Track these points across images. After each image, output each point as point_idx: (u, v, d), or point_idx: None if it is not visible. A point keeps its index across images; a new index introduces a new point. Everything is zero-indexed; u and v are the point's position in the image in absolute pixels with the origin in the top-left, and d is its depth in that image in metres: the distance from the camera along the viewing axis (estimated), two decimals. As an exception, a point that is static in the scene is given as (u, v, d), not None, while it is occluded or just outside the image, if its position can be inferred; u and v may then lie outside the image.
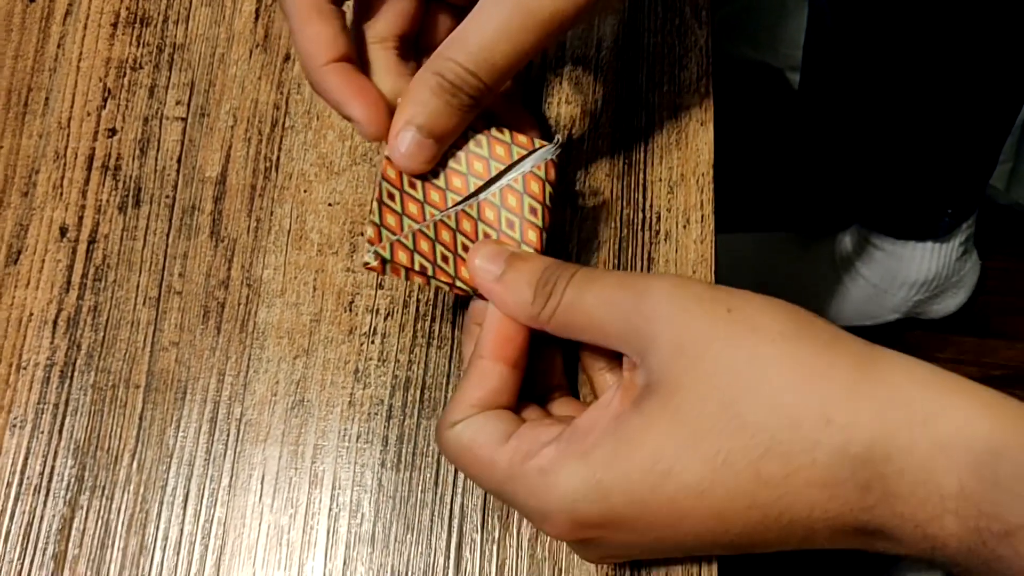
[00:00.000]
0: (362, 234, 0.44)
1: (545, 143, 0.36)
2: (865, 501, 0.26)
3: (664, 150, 0.44)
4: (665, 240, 0.42)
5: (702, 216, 0.43)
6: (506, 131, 0.36)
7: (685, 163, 0.44)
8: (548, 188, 0.36)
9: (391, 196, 0.35)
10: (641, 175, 0.44)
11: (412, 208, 0.35)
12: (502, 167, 0.36)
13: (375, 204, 0.35)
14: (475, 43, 0.32)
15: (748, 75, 1.07)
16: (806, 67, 0.86)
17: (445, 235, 0.35)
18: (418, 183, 0.35)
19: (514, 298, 0.32)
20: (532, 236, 0.35)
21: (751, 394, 0.27)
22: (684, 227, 0.43)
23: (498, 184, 0.36)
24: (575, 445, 0.29)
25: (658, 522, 0.28)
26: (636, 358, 0.30)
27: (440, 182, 0.36)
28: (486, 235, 0.35)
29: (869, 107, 0.76)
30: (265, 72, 0.47)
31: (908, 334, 1.00)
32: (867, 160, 0.82)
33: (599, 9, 0.33)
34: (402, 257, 0.34)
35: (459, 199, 0.36)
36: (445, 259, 0.35)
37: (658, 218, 0.43)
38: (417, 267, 0.34)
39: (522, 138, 0.36)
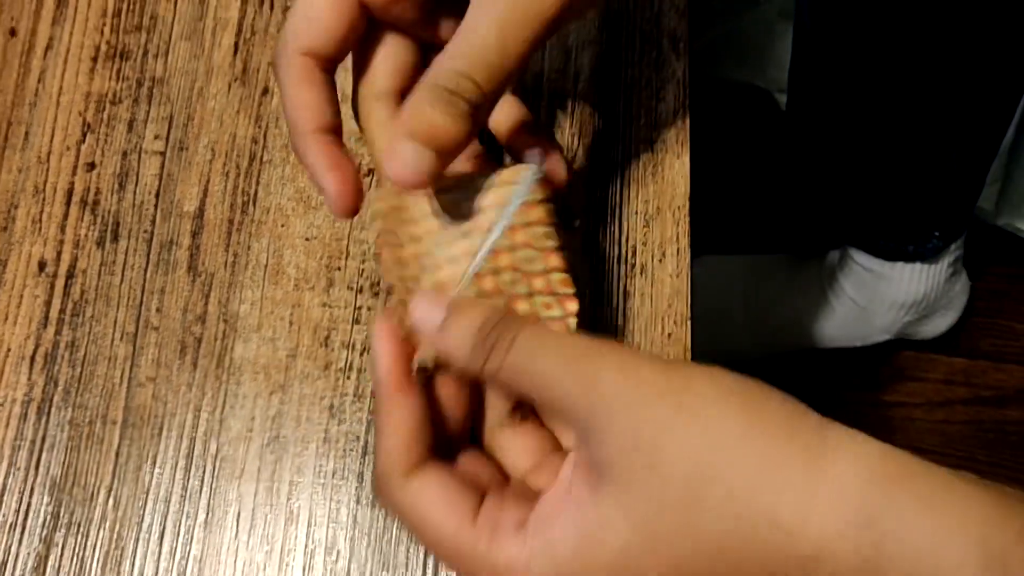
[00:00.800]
0: (339, 269, 0.44)
1: (527, 166, 0.35)
2: None
3: (640, 183, 0.44)
4: (641, 274, 0.43)
5: (678, 249, 0.43)
6: (489, 171, 0.35)
7: (661, 196, 0.44)
8: (548, 206, 0.34)
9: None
10: (617, 208, 0.44)
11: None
12: (501, 210, 0.34)
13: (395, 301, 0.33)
14: (468, 46, 0.31)
15: (736, 97, 1.07)
16: (792, 88, 0.87)
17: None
18: (428, 264, 0.33)
19: (455, 349, 0.31)
20: (555, 261, 0.33)
21: (705, 499, 0.27)
22: (660, 260, 0.43)
23: (500, 226, 0.34)
24: (539, 538, 0.29)
25: None
26: (581, 441, 0.29)
27: (444, 252, 0.34)
28: (512, 282, 0.33)
29: (855, 128, 0.77)
30: (244, 106, 0.47)
31: (898, 355, 1.00)
32: (855, 181, 0.82)
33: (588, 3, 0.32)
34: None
35: (469, 264, 0.33)
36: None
37: (634, 252, 0.43)
38: None
39: (505, 172, 0.35)
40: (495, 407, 0.35)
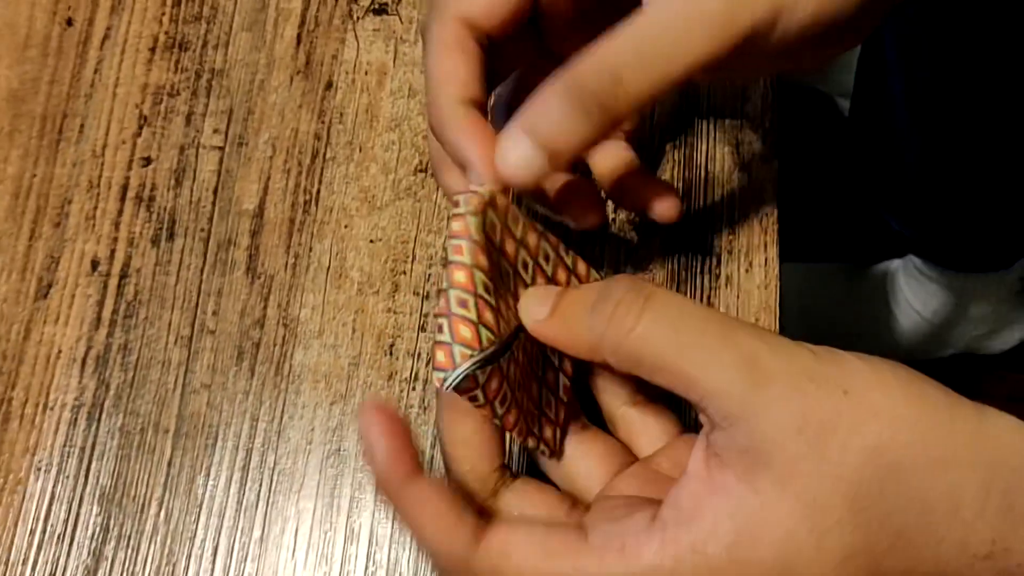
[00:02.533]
0: (404, 273, 0.41)
1: (599, 276, 0.32)
2: None
3: (725, 187, 0.41)
4: (726, 285, 0.40)
5: (766, 259, 0.40)
6: (571, 255, 0.32)
7: (749, 202, 0.41)
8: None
9: (463, 304, 0.28)
10: (701, 214, 0.41)
11: (488, 316, 0.28)
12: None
13: (445, 321, 0.28)
14: (632, 41, 0.27)
15: (797, 101, 1.04)
16: (858, 94, 0.83)
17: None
18: (491, 287, 0.29)
19: (569, 329, 0.28)
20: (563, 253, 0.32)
21: (877, 486, 0.25)
22: (747, 271, 0.40)
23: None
24: (685, 532, 0.26)
25: None
26: (724, 421, 0.26)
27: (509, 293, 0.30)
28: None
29: (926, 132, 0.73)
30: (306, 100, 0.45)
31: (963, 370, 0.96)
32: (923, 190, 0.79)
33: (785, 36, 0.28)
34: (493, 385, 0.28)
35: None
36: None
37: (719, 261, 0.40)
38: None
39: (581, 267, 0.32)
40: (611, 391, 0.32)
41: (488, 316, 0.28)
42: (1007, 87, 0.65)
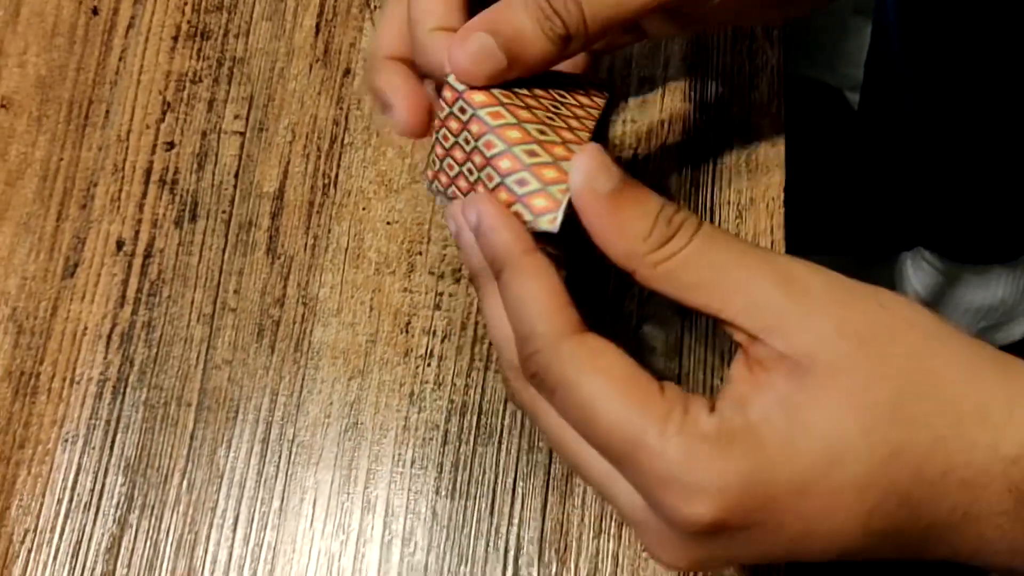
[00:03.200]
0: (420, 254, 0.43)
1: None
2: (1005, 504, 0.26)
3: (733, 172, 0.42)
4: (733, 266, 0.41)
5: (772, 242, 0.41)
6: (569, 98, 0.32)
7: (755, 186, 0.42)
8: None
9: (531, 154, 0.28)
10: (708, 198, 0.42)
11: (560, 151, 0.29)
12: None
13: (526, 173, 0.28)
14: None
15: (805, 94, 1.05)
16: (867, 87, 0.84)
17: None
18: (545, 130, 0.29)
19: (624, 227, 0.27)
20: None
21: (917, 388, 0.26)
22: (753, 253, 0.41)
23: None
24: (741, 418, 0.26)
25: (810, 513, 0.26)
26: (763, 333, 0.26)
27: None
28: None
29: (934, 128, 0.74)
30: (325, 87, 0.46)
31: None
32: (931, 182, 0.80)
33: None
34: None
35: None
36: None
37: (726, 243, 0.41)
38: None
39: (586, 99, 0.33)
40: None
41: (560, 151, 0.28)
42: (1015, 79, 0.65)
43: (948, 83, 0.68)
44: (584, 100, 0.33)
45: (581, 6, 0.29)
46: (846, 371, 0.26)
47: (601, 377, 0.26)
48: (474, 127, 0.29)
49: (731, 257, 0.27)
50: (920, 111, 0.74)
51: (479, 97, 0.29)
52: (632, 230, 0.27)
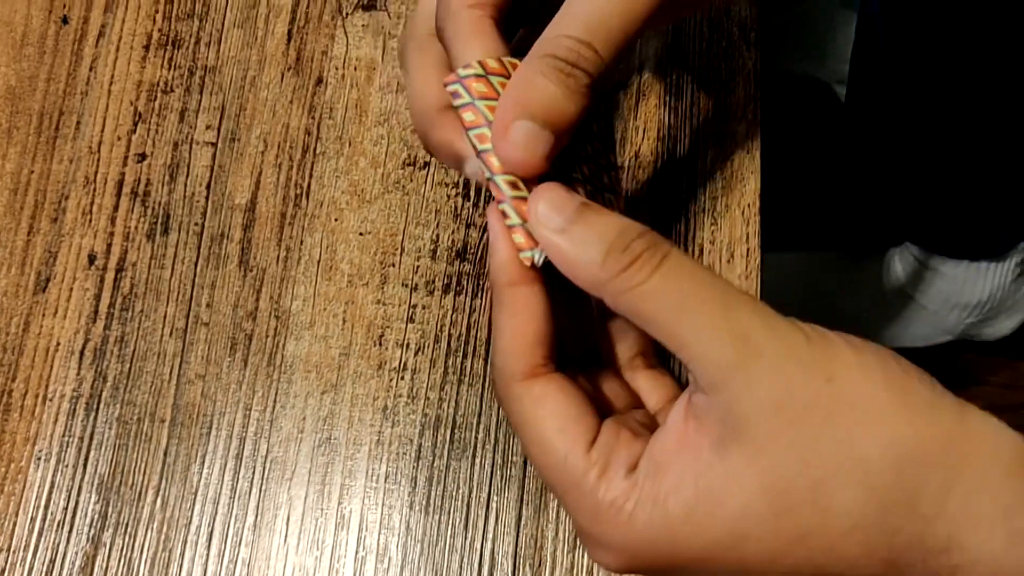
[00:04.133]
0: (393, 266, 0.42)
1: None
2: None
3: (708, 179, 0.42)
4: (708, 275, 0.40)
5: (748, 250, 0.41)
6: None
7: (730, 193, 0.42)
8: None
9: (513, 186, 0.29)
10: (684, 205, 0.42)
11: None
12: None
13: (507, 206, 0.29)
14: (586, 13, 0.29)
15: (794, 88, 1.04)
16: (853, 81, 0.84)
17: None
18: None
19: (580, 256, 0.28)
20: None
21: (843, 476, 0.25)
22: (728, 261, 0.41)
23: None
24: (652, 485, 0.27)
25: (719, 572, 0.27)
26: (708, 388, 0.27)
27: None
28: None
29: (921, 121, 0.74)
30: (297, 96, 0.45)
31: (960, 357, 0.97)
32: (919, 177, 0.79)
33: None
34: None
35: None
36: None
37: (701, 251, 0.41)
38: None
39: None
40: (625, 340, 0.33)
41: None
42: (998, 73, 0.65)
43: (932, 76, 0.68)
44: None
45: (593, 45, 0.29)
46: (771, 452, 0.26)
47: (536, 427, 0.28)
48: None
49: (692, 301, 0.27)
50: (904, 104, 0.73)
51: (467, 116, 0.29)
52: (587, 260, 0.27)
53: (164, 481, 0.40)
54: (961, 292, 0.87)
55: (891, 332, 0.93)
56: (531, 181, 0.29)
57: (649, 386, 0.33)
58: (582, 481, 0.27)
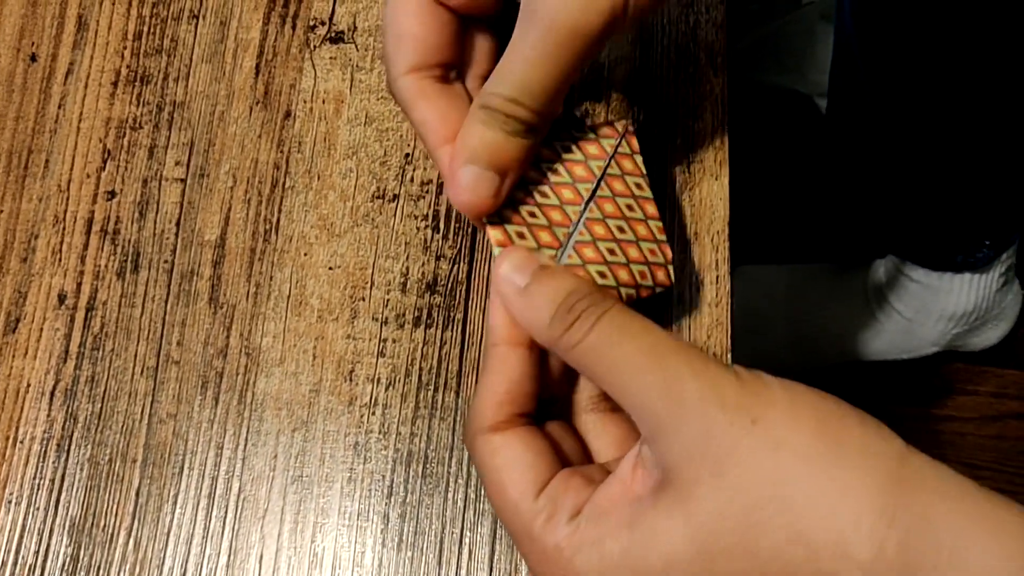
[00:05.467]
0: (363, 300, 0.42)
1: (620, 121, 0.37)
2: None
3: (676, 207, 0.42)
4: (678, 303, 0.40)
5: (717, 276, 0.41)
6: (586, 127, 0.36)
7: (699, 220, 0.42)
8: (639, 158, 0.37)
9: (521, 236, 0.34)
10: (653, 233, 0.42)
11: (545, 237, 0.34)
12: (602, 163, 0.36)
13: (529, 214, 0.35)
14: (512, 71, 0.31)
15: (776, 102, 1.04)
16: (833, 94, 0.84)
17: (589, 252, 0.34)
18: (537, 211, 0.35)
19: (533, 315, 0.31)
20: (651, 209, 0.36)
21: (769, 519, 0.25)
22: (698, 289, 0.40)
23: (601, 179, 0.36)
24: (591, 529, 0.28)
25: None
26: (648, 438, 0.28)
27: (553, 200, 0.35)
28: (619, 228, 0.35)
29: (899, 134, 0.74)
30: (265, 130, 0.45)
31: (947, 368, 0.97)
32: (900, 189, 0.79)
33: (632, 18, 0.32)
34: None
35: (579, 209, 0.35)
36: (603, 275, 0.34)
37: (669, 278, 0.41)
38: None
39: (604, 128, 0.37)
40: (583, 388, 0.35)
41: (545, 237, 0.34)
42: (974, 87, 0.65)
43: (907, 90, 0.68)
44: (591, 149, 0.36)
45: (521, 102, 0.31)
46: (696, 497, 0.26)
47: (494, 476, 0.30)
48: None
49: (623, 355, 0.28)
50: (883, 117, 0.73)
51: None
52: (539, 319, 0.31)
53: (136, 522, 0.40)
54: (946, 303, 0.87)
55: (876, 345, 0.93)
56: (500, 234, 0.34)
57: (618, 433, 0.34)
58: (531, 526, 0.29)
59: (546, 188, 0.35)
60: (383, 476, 0.39)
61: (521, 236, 0.34)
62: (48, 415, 0.42)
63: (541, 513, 0.29)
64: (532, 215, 0.34)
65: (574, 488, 0.30)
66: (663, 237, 0.36)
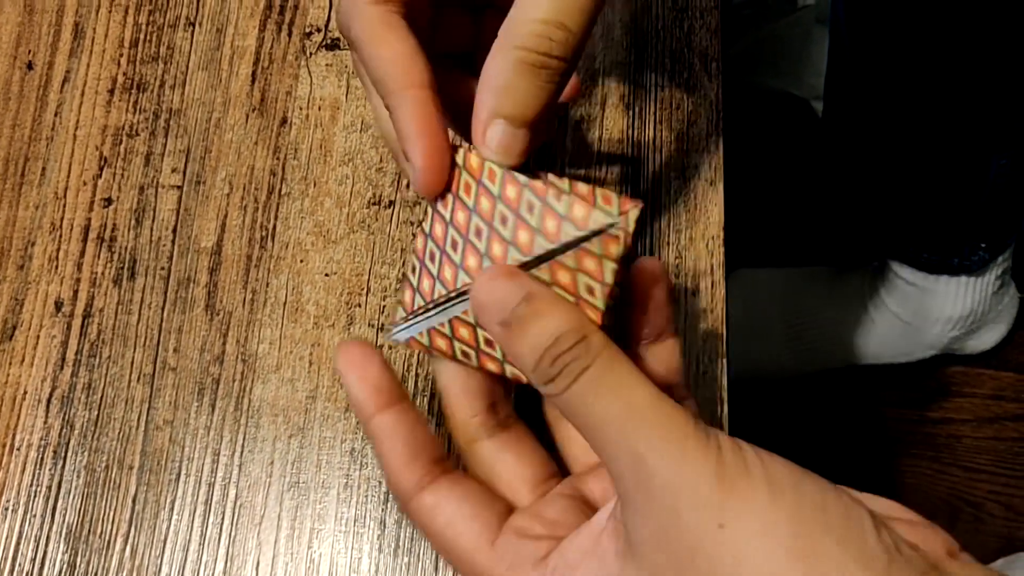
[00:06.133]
0: (359, 306, 0.42)
1: (634, 202, 0.28)
2: None
3: (672, 212, 0.42)
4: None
5: (712, 282, 0.41)
6: (565, 199, 0.28)
7: (694, 226, 0.42)
8: (628, 251, 0.28)
9: (432, 257, 0.30)
10: (648, 239, 0.42)
11: (447, 273, 0.30)
12: (579, 229, 0.28)
13: (411, 271, 0.31)
14: None
15: (771, 105, 1.04)
16: (828, 97, 0.84)
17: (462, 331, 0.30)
18: (459, 243, 0.29)
19: (518, 355, 0.27)
20: (610, 303, 0.28)
21: None
22: (694, 295, 0.41)
23: (575, 245, 0.28)
24: None
25: None
26: (622, 502, 0.27)
27: (481, 245, 0.29)
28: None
29: (894, 137, 0.74)
30: (261, 137, 0.45)
31: (944, 370, 0.97)
32: (896, 191, 0.80)
33: None
34: (441, 344, 0.31)
35: (523, 259, 0.28)
36: (489, 343, 0.30)
37: (666, 285, 0.41)
38: (459, 356, 0.30)
39: (598, 192, 0.28)
40: (469, 411, 0.32)
41: (447, 273, 0.30)
42: (969, 89, 0.65)
43: (902, 93, 0.68)
44: (568, 213, 0.28)
45: (564, 24, 0.28)
46: None
47: (440, 538, 0.29)
48: (510, 190, 0.28)
49: (602, 418, 0.26)
50: (878, 121, 0.74)
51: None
52: (523, 360, 0.27)
53: (133, 529, 0.40)
54: (943, 306, 0.87)
55: (873, 348, 0.93)
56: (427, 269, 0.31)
57: (575, 434, 0.32)
58: (490, 574, 0.28)
59: (480, 229, 0.29)
60: (380, 482, 0.39)
61: (431, 258, 0.30)
62: (45, 422, 0.42)
63: (501, 562, 0.28)
64: (454, 247, 0.30)
65: (534, 534, 0.29)
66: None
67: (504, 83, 0.28)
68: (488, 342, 0.30)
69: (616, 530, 0.27)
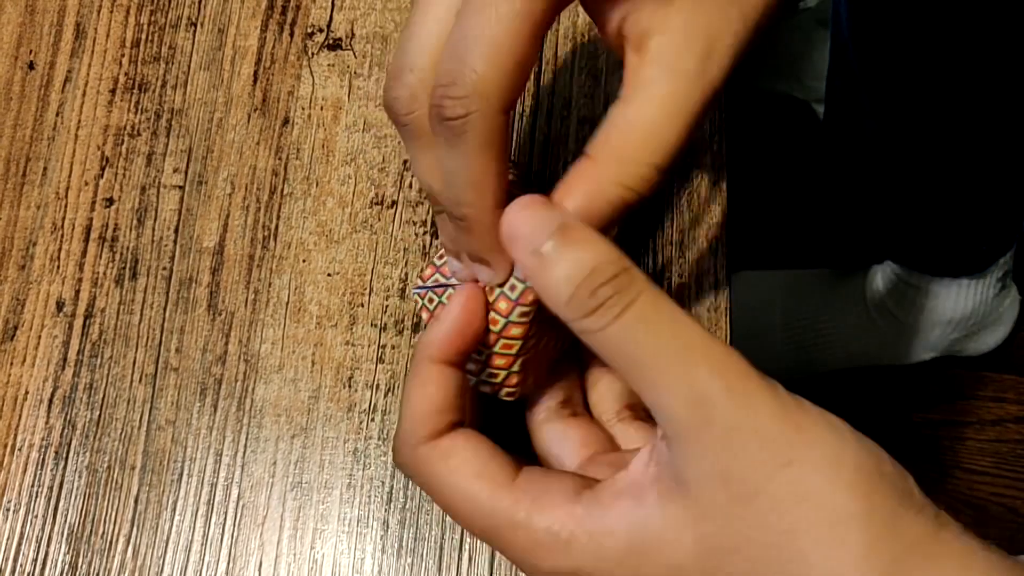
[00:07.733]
0: (362, 306, 0.42)
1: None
2: None
3: (674, 211, 0.42)
4: (677, 308, 0.40)
5: (715, 281, 0.41)
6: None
7: (697, 226, 0.42)
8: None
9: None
10: (649, 238, 0.42)
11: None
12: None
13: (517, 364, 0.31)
14: (658, 135, 0.27)
15: (773, 108, 1.05)
16: (829, 100, 0.84)
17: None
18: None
19: (548, 289, 0.26)
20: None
21: (779, 568, 0.24)
22: (696, 295, 0.41)
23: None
24: (591, 518, 0.26)
25: None
26: (668, 439, 0.26)
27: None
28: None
29: (896, 139, 0.74)
30: (264, 137, 0.45)
31: (945, 373, 0.97)
32: (896, 194, 0.80)
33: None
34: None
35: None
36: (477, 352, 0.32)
37: (668, 285, 0.41)
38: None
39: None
40: (544, 401, 0.33)
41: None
42: (971, 92, 0.65)
43: (904, 96, 0.68)
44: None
45: (662, 167, 0.28)
46: (712, 519, 0.25)
47: (450, 480, 0.28)
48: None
49: (651, 353, 0.25)
50: (880, 123, 0.74)
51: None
52: (555, 295, 0.26)
53: (135, 529, 0.40)
54: (944, 309, 0.87)
55: (875, 350, 0.93)
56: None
57: (569, 439, 0.32)
58: (513, 512, 0.27)
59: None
60: (383, 482, 0.39)
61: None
62: (46, 422, 0.42)
63: (525, 496, 0.27)
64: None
65: (555, 474, 0.28)
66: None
67: (597, 215, 0.28)
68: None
69: (658, 475, 0.26)
